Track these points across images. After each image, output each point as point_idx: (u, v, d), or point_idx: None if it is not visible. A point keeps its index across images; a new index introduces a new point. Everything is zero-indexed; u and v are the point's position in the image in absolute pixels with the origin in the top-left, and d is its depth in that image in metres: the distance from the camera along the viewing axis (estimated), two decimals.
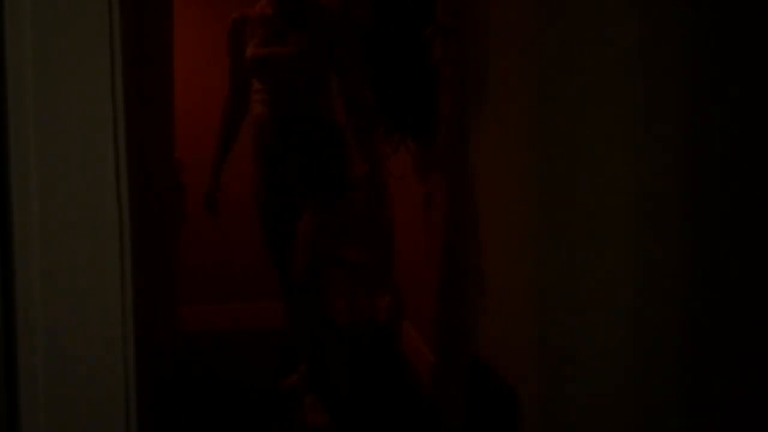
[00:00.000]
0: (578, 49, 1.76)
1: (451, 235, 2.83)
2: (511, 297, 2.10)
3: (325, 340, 2.93)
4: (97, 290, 1.07)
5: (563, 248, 1.80)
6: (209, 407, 3.00)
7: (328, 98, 2.88)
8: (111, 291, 1.07)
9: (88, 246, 1.06)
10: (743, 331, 1.64)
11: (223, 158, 3.01)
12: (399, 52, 3.05)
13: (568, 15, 1.77)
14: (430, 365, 3.10)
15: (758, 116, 1.61)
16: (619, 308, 1.78)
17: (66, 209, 1.05)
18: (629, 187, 1.76)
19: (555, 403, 1.84)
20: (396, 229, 4.08)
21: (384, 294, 4.18)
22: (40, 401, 1.04)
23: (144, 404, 1.21)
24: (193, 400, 3.09)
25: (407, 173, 3.46)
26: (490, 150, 2.30)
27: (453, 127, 2.76)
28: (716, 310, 1.69)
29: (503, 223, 2.18)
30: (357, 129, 2.87)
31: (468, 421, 2.44)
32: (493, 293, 2.26)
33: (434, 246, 3.08)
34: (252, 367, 3.52)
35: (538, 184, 1.87)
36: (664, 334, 1.76)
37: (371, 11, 3.13)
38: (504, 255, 2.17)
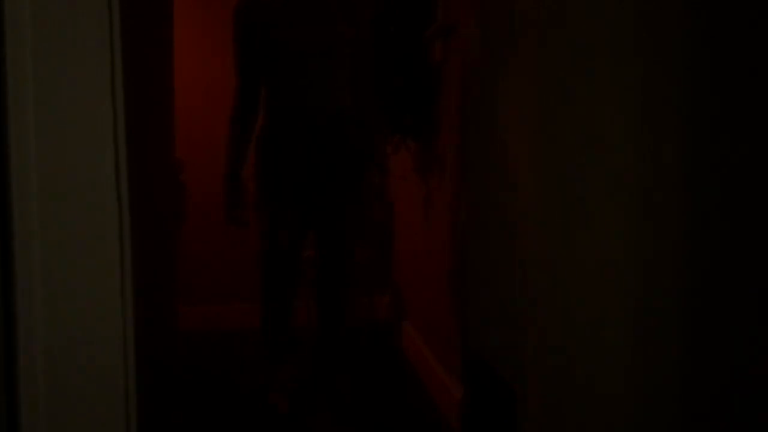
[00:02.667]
0: (579, 49, 1.76)
1: (451, 235, 2.83)
2: (511, 296, 2.10)
3: (338, 344, 2.89)
4: (97, 290, 1.07)
5: (564, 248, 1.80)
6: (209, 407, 3.00)
7: (350, 91, 2.72)
8: (111, 291, 1.07)
9: (88, 246, 1.06)
10: (744, 332, 1.64)
11: (240, 167, 2.70)
12: (400, 52, 3.05)
13: (568, 15, 1.77)
14: (430, 365, 3.10)
15: (759, 115, 1.61)
16: (619, 307, 1.78)
17: (66, 209, 1.05)
18: (631, 187, 1.76)
19: (555, 403, 1.84)
20: (396, 229, 4.08)
21: (384, 293, 4.18)
22: (40, 401, 1.04)
23: (144, 404, 1.21)
24: (192, 400, 3.09)
25: (407, 173, 3.46)
26: (490, 150, 2.30)
27: (453, 127, 2.76)
28: (717, 309, 1.69)
29: (503, 223, 2.17)
30: (366, 125, 2.76)
31: (468, 421, 2.44)
32: (493, 293, 2.26)
33: (434, 246, 3.08)
34: (252, 367, 3.52)
35: (538, 184, 1.87)
36: (665, 334, 1.76)
37: (372, 12, 3.14)
38: (504, 255, 2.17)
